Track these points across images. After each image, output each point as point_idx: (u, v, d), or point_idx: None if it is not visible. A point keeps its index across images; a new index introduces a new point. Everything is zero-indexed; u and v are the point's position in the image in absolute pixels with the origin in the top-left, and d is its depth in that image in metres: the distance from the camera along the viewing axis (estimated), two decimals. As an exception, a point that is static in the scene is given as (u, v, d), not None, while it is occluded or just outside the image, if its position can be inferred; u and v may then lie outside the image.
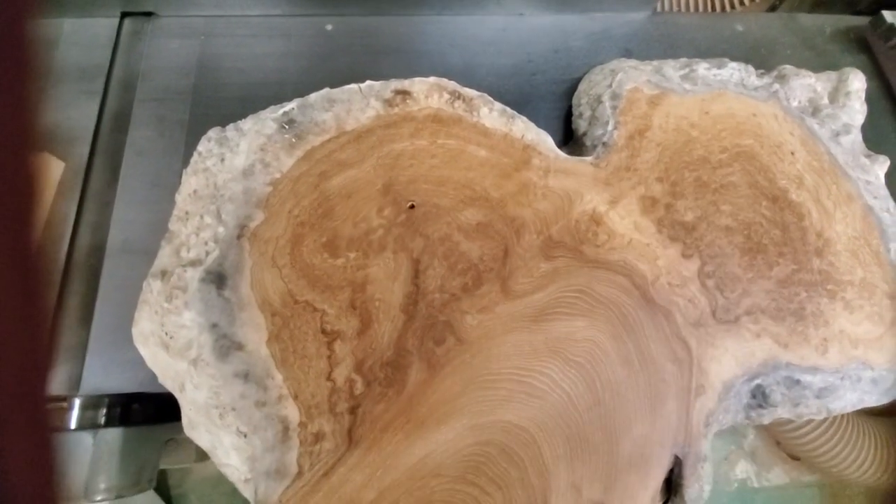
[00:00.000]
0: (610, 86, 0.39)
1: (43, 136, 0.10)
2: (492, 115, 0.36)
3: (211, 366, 0.28)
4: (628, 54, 0.47)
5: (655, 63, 0.41)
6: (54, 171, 0.38)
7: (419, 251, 0.32)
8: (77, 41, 0.43)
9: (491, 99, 0.36)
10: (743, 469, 0.88)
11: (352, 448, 0.28)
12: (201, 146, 0.34)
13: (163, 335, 0.30)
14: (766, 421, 0.33)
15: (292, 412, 0.28)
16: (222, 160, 0.33)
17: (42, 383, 0.10)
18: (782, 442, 0.85)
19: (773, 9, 0.76)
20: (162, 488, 0.76)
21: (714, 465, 0.92)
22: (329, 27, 0.46)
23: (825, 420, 0.70)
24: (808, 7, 0.78)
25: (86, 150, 0.39)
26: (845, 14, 0.56)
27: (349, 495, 0.27)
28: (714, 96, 0.39)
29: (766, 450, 0.90)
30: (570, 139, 0.43)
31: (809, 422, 0.70)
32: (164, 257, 0.32)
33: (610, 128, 0.37)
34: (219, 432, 0.29)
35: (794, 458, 0.87)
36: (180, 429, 0.31)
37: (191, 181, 0.33)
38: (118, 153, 0.40)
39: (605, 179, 0.35)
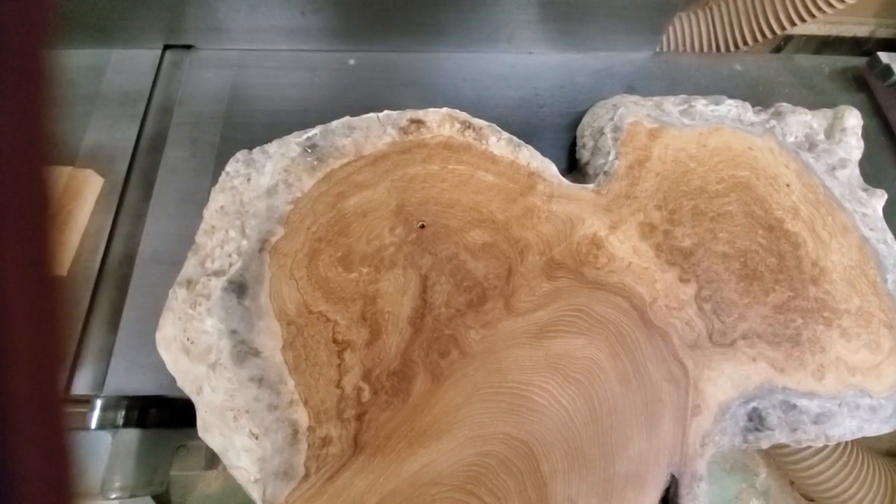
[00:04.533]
0: (612, 119, 0.41)
1: (55, 150, 0.11)
2: (499, 143, 0.38)
3: (228, 370, 0.30)
4: (631, 91, 0.49)
5: (656, 99, 0.44)
6: (94, 185, 0.41)
7: (428, 268, 0.34)
8: (122, 70, 0.47)
9: (499, 128, 0.39)
10: (755, 509, 0.86)
11: (357, 453, 0.29)
12: (229, 166, 0.37)
13: (184, 340, 0.32)
14: (764, 445, 0.33)
15: (302, 416, 0.29)
16: (248, 180, 0.36)
17: (56, 386, 0.11)
18: (796, 481, 0.82)
19: (776, 51, 0.79)
20: (163, 507, 0.76)
21: (725, 503, 0.89)
22: (351, 62, 0.50)
23: (837, 457, 0.68)
24: (812, 50, 0.81)
25: (124, 167, 0.43)
26: (848, 56, 0.58)
27: (353, 499, 0.28)
28: (711, 130, 0.41)
29: (779, 489, 0.87)
30: (573, 168, 0.45)
31: (823, 460, 0.69)
32: (190, 268, 0.34)
33: (611, 158, 0.39)
34: (232, 435, 0.30)
35: (809, 499, 0.84)
36: (192, 435, 0.32)
37: (218, 198, 0.36)
38: (153, 171, 0.43)
39: (605, 206, 0.37)
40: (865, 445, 0.73)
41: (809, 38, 0.80)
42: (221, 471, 0.75)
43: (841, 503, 0.69)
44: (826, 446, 0.67)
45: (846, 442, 0.68)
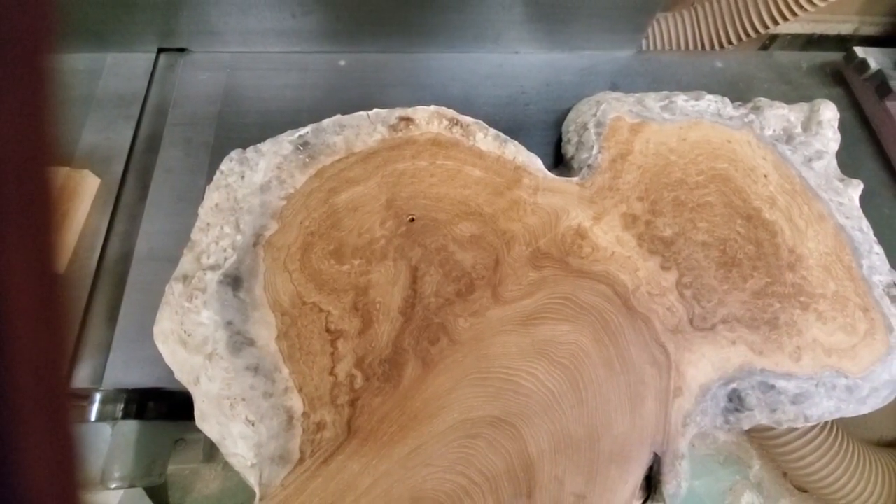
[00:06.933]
0: (595, 115, 0.43)
1: (59, 151, 0.11)
2: (486, 139, 0.40)
3: (225, 360, 0.31)
4: (614, 88, 0.51)
5: (638, 95, 0.45)
6: (91, 185, 0.42)
7: (417, 260, 0.35)
8: (118, 73, 0.48)
9: (486, 125, 0.40)
10: (749, 500, 0.87)
11: (350, 437, 0.30)
12: (224, 165, 0.38)
13: (181, 333, 0.33)
14: (745, 426, 0.34)
15: (297, 403, 0.30)
16: (242, 177, 0.37)
17: (62, 381, 0.11)
18: (788, 472, 0.84)
19: (763, 49, 0.81)
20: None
21: (719, 495, 0.90)
22: (342, 62, 0.51)
23: (828, 447, 0.69)
24: (797, 49, 0.83)
25: (120, 167, 0.43)
26: (828, 52, 0.60)
27: (346, 481, 0.29)
28: (691, 124, 0.43)
29: (772, 481, 0.88)
30: (559, 163, 0.46)
31: (815, 449, 0.70)
32: (186, 263, 0.35)
33: (594, 152, 0.41)
34: (228, 423, 0.31)
35: (802, 489, 0.85)
36: (190, 428, 0.33)
37: (213, 196, 0.37)
38: (149, 171, 0.44)
39: (589, 198, 0.39)
40: (857, 436, 0.74)
41: (795, 37, 0.82)
42: (221, 471, 0.75)
43: (833, 492, 0.71)
44: (818, 437, 0.68)
45: (837, 431, 0.69)
